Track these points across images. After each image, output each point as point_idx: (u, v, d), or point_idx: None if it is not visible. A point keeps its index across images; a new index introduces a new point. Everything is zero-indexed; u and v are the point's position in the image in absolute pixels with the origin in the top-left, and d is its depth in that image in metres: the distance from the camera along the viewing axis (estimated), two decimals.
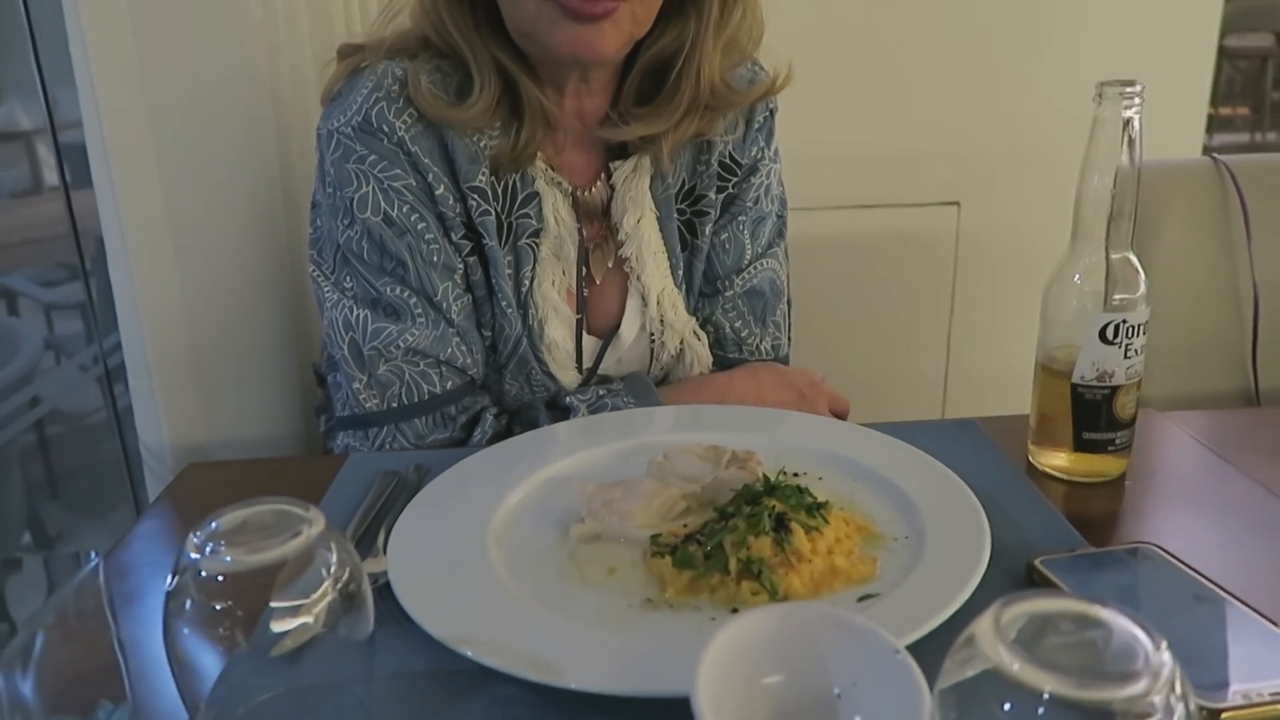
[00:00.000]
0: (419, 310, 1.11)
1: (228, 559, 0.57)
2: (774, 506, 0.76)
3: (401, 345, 1.10)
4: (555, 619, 0.71)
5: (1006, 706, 0.47)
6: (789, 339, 1.39)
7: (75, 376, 2.36)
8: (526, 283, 1.16)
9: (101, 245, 1.28)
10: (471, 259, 1.15)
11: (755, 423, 1.03)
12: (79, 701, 0.57)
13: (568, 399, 1.17)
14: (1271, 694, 0.57)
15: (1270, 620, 0.64)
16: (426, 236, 1.11)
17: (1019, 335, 1.30)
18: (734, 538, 0.74)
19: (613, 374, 1.25)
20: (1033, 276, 1.00)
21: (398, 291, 1.11)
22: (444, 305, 1.12)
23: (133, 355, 1.33)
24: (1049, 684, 0.44)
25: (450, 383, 1.13)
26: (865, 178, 2.24)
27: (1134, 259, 0.87)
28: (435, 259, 1.12)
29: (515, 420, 1.17)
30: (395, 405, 1.12)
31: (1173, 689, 0.46)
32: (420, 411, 1.13)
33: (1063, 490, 0.92)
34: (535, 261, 1.17)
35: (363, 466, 1.01)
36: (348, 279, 1.13)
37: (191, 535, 0.58)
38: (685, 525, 0.81)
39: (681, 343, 1.26)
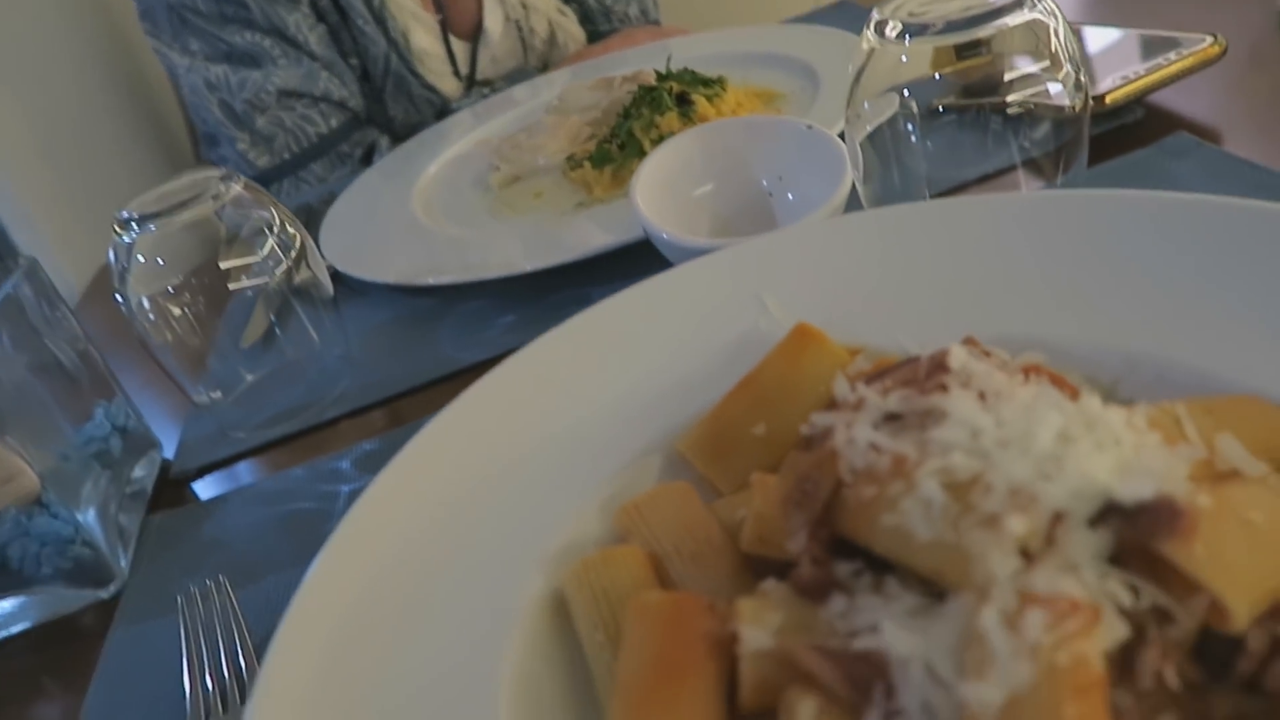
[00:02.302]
0: (276, 51, 1.07)
1: (153, 228, 0.58)
2: (672, 87, 0.78)
3: (271, 89, 1.07)
4: (497, 240, 0.74)
5: (906, 93, 0.51)
6: (655, 2, 1.37)
7: None
8: None
9: None
10: None
11: (637, 57, 1.03)
12: (79, 412, 0.59)
13: (454, 106, 1.15)
14: (1147, 69, 0.61)
15: (1134, 28, 0.68)
16: None
17: None
18: (641, 123, 0.76)
19: (492, 76, 1.23)
20: None
21: (248, 36, 1.06)
22: (300, 39, 1.08)
23: (9, 212, 1.28)
24: (934, 40, 0.47)
25: (334, 120, 1.11)
26: None
27: None
28: None
29: None
30: (287, 156, 1.10)
31: (1056, 35, 0.50)
32: (314, 155, 1.11)
33: None
34: None
35: None
36: (192, 40, 1.07)
37: (115, 215, 0.59)
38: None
39: (549, 24, 1.23)
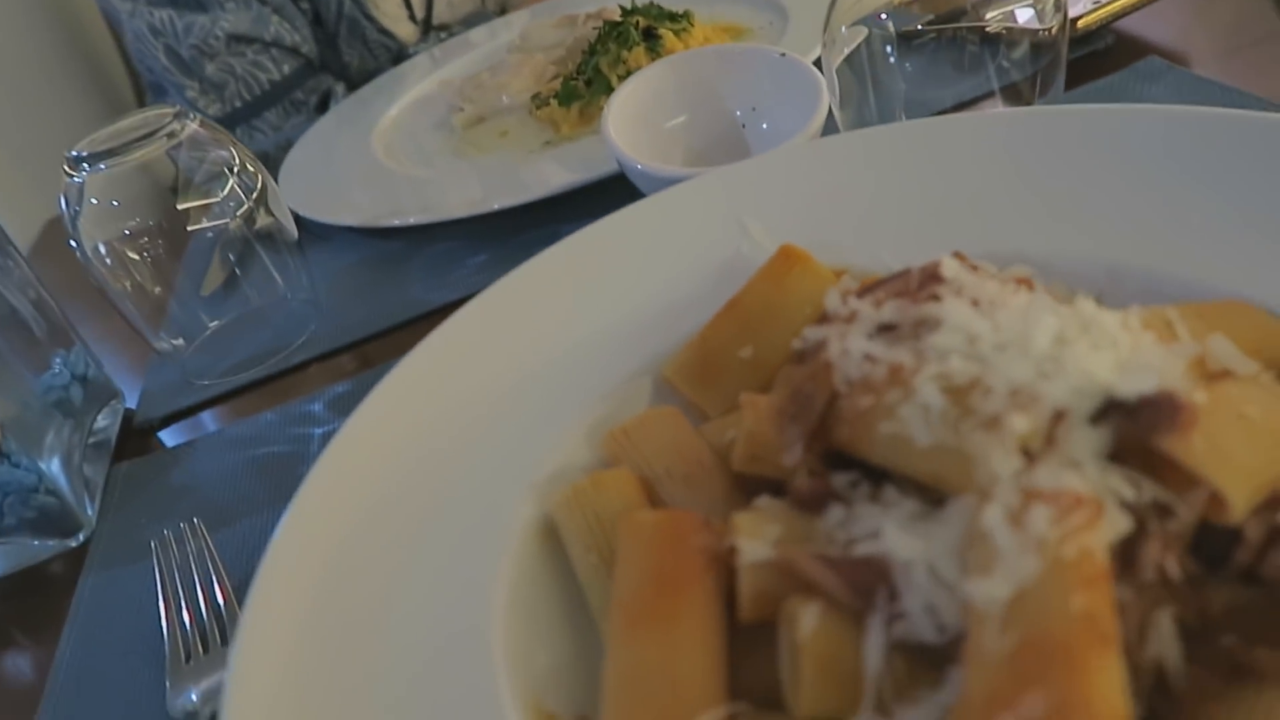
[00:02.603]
0: None
1: (104, 167, 0.56)
2: (638, 22, 0.76)
3: (220, 34, 1.03)
4: (463, 180, 0.72)
5: (883, 17, 0.50)
6: None
7: None
8: None
9: None
10: None
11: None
12: (37, 361, 0.57)
13: (411, 51, 1.12)
14: None
15: None
16: None
17: None
18: (607, 59, 0.75)
19: (449, 20, 1.20)
20: None
21: None
22: None
23: None
24: None
25: (287, 66, 1.08)
26: None
27: None
28: None
29: None
30: (239, 104, 1.07)
31: None
32: (267, 103, 1.07)
33: None
34: None
35: None
36: None
37: (65, 155, 0.56)
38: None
39: None
